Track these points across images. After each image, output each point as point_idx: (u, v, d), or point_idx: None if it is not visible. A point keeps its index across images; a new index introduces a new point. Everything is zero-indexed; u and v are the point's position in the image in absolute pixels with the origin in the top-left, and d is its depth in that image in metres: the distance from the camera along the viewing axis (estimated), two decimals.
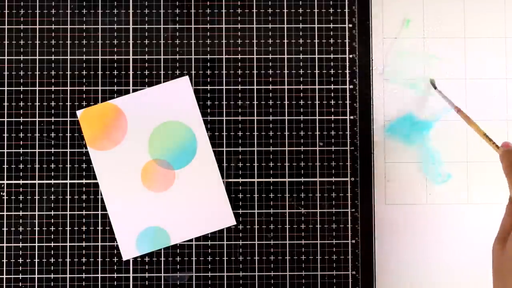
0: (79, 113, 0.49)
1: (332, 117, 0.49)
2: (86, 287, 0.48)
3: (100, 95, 0.49)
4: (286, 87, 0.49)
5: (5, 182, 0.48)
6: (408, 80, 0.50)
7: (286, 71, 0.49)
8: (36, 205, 0.48)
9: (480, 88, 0.50)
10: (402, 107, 0.49)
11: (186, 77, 0.49)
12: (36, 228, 0.48)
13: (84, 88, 0.49)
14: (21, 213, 0.48)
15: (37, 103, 0.49)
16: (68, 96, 0.49)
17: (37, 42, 0.49)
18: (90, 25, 0.49)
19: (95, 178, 0.48)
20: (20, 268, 0.48)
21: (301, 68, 0.49)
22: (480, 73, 0.50)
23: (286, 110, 0.49)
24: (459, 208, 0.49)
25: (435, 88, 0.48)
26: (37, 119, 0.49)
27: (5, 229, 0.48)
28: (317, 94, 0.49)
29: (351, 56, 0.49)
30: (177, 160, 0.48)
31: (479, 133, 0.44)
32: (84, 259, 0.48)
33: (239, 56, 0.49)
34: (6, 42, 0.49)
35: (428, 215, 0.49)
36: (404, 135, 0.49)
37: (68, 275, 0.48)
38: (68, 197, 0.48)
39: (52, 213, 0.48)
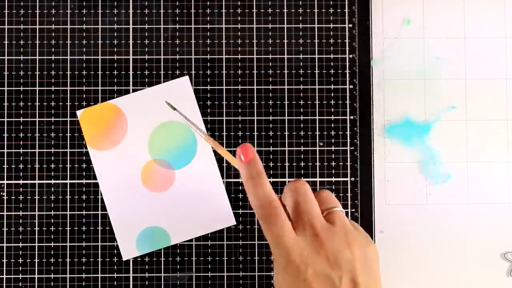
0: (79, 113, 0.49)
1: (332, 117, 0.49)
2: (86, 287, 0.48)
3: (100, 95, 0.49)
4: (286, 87, 0.49)
5: (5, 182, 0.48)
6: (408, 80, 0.50)
7: (286, 71, 0.49)
8: (36, 205, 0.48)
9: (480, 88, 0.50)
10: (402, 107, 0.49)
11: (186, 77, 0.49)
12: (36, 228, 0.48)
13: (84, 88, 0.49)
14: (21, 213, 0.48)
15: (37, 103, 0.49)
16: (68, 96, 0.49)
17: (37, 42, 0.49)
18: (90, 25, 0.49)
19: (95, 178, 0.48)
20: (20, 268, 0.48)
21: (301, 68, 0.49)
22: (480, 73, 0.50)
23: (286, 110, 0.49)
24: (459, 208, 0.49)
25: (174, 109, 0.44)
26: (37, 119, 0.49)
27: (5, 229, 0.48)
28: (317, 94, 0.49)
29: (351, 56, 0.49)
30: (177, 160, 0.48)
31: (217, 148, 0.41)
32: (84, 259, 0.48)
33: (239, 56, 0.49)
34: (6, 42, 0.49)
35: (428, 215, 0.49)
36: (404, 138, 0.49)
37: (68, 275, 0.48)
38: (68, 197, 0.48)
39: (52, 213, 0.48)
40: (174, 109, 0.44)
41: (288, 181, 0.34)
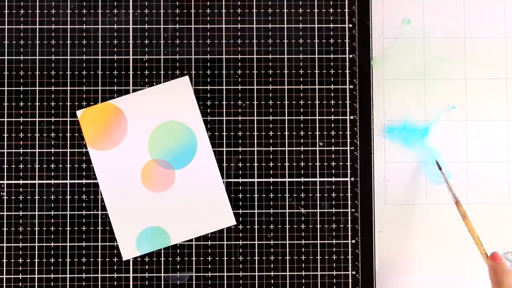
0: (79, 113, 0.49)
1: (332, 117, 0.49)
2: (86, 287, 0.48)
3: (100, 95, 0.49)
4: (286, 87, 0.49)
5: (5, 182, 0.48)
6: (408, 80, 0.50)
7: (286, 71, 0.49)
8: (36, 205, 0.48)
9: (480, 88, 0.50)
10: (402, 107, 0.49)
11: (186, 77, 0.49)
12: (36, 228, 0.48)
13: (84, 88, 0.49)
14: (21, 213, 0.48)
15: (37, 103, 0.49)
16: (68, 96, 0.49)
17: (37, 42, 0.49)
18: (90, 25, 0.49)
19: (95, 178, 0.48)
20: (20, 268, 0.48)
21: (301, 68, 0.49)
22: (480, 73, 0.50)
23: (286, 110, 0.49)
24: None
25: (440, 168, 0.48)
26: (37, 119, 0.49)
27: (5, 229, 0.48)
28: (317, 94, 0.49)
29: (351, 56, 0.49)
30: (177, 160, 0.48)
31: (472, 234, 0.45)
32: (84, 259, 0.48)
33: (239, 56, 0.49)
34: (6, 42, 0.49)
35: (428, 215, 0.49)
36: (404, 138, 0.49)
37: (68, 275, 0.48)
38: (68, 197, 0.48)
39: (52, 213, 0.48)
40: (440, 168, 0.48)
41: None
